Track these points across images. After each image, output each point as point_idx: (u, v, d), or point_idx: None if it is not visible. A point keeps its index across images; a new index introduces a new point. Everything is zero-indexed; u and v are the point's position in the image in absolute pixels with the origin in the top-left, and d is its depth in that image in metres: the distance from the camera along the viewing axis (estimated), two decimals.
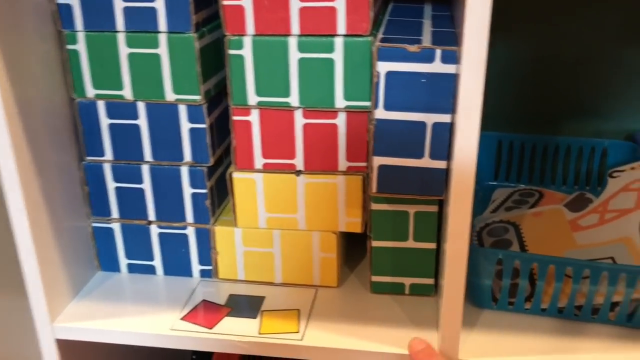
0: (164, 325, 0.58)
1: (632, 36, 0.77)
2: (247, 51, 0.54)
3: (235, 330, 0.57)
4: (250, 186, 0.60)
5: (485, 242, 0.66)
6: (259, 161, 0.59)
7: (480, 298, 0.59)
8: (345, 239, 0.65)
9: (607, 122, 0.82)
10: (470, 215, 0.48)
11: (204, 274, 0.65)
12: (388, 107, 0.51)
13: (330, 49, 0.53)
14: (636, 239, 0.61)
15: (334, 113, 0.56)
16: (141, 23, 0.55)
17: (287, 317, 0.59)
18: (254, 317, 0.59)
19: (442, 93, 0.50)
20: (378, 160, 0.53)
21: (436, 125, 0.51)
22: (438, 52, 0.49)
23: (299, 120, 0.57)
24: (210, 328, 0.58)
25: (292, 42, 0.53)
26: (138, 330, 0.57)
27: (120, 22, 0.56)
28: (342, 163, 0.58)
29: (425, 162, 0.52)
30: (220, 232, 0.63)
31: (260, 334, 0.57)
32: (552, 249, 0.63)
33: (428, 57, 0.49)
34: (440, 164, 0.52)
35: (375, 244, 0.60)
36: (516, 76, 0.81)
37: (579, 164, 0.79)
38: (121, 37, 0.56)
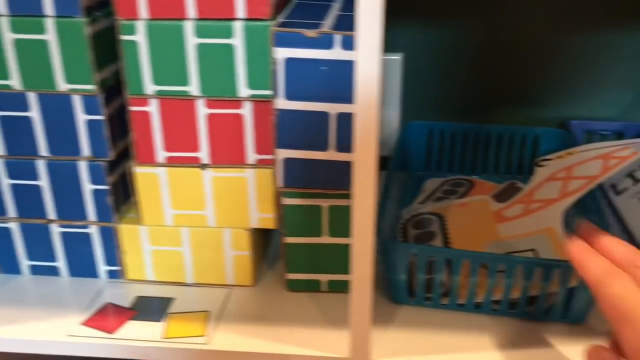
0: (60, 332, 0.54)
1: (563, 22, 0.75)
2: (141, 37, 0.50)
3: (138, 335, 0.54)
4: (153, 181, 0.56)
5: (409, 234, 0.64)
6: (161, 154, 0.55)
7: (397, 294, 0.57)
8: (262, 235, 0.62)
9: (540, 110, 0.80)
10: (373, 209, 0.45)
11: (112, 274, 0.61)
12: (289, 96, 0.48)
13: (229, 34, 0.50)
14: (559, 229, 0.60)
15: (238, 102, 0.52)
16: (26, 6, 0.51)
17: (195, 320, 0.56)
18: (160, 321, 0.56)
19: (344, 81, 0.47)
20: (282, 153, 0.50)
21: (340, 116, 0.48)
22: (337, 38, 0.46)
23: (202, 110, 0.53)
24: (111, 333, 0.54)
25: (189, 26, 0.50)
26: (32, 338, 0.53)
27: (2, 4, 0.51)
28: (251, 156, 0.55)
29: (331, 154, 0.50)
30: (125, 231, 0.59)
31: (164, 338, 0.53)
32: (475, 241, 0.61)
33: (327, 43, 0.46)
34: (347, 157, 0.49)
35: (288, 240, 0.57)
36: (446, 63, 0.79)
37: (510, 153, 0.77)
38: (4, 22, 0.51)
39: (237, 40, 0.50)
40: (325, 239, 0.56)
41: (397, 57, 0.78)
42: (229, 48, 0.50)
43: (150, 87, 0.52)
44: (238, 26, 0.49)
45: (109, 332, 0.54)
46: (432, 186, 0.75)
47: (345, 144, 0.49)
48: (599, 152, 0.63)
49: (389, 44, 0.79)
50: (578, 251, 0.42)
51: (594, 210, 0.60)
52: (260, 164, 0.55)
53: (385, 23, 0.78)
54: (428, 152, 0.78)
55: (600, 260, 0.40)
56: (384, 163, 0.70)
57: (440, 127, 0.77)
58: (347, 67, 0.46)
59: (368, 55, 0.40)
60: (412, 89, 0.80)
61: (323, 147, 0.49)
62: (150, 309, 0.57)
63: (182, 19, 0.50)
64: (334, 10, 0.52)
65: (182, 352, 0.52)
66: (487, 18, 0.76)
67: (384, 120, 0.81)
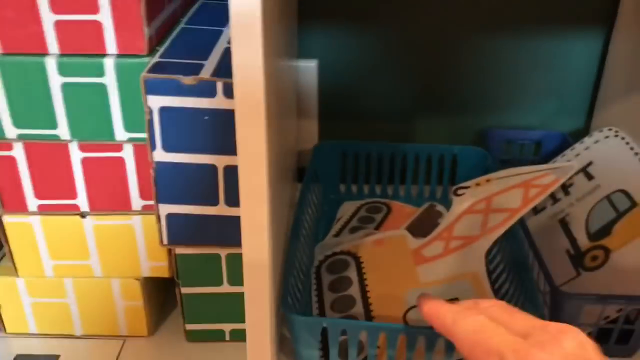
0: None
1: (484, 29, 0.71)
2: None
3: None
4: (27, 231, 0.49)
5: (324, 280, 0.58)
6: (32, 202, 0.48)
7: None
8: (158, 281, 0.57)
9: (460, 118, 0.77)
10: (268, 264, 0.40)
11: None
12: (168, 148, 0.42)
13: (99, 72, 0.43)
14: (482, 274, 0.56)
15: (117, 146, 0.46)
16: None
17: None
18: None
19: (230, 132, 0.41)
20: (165, 209, 0.44)
21: (229, 169, 0.43)
22: (219, 85, 0.40)
23: (76, 154, 0.46)
24: None
25: (51, 63, 0.43)
26: None
27: None
28: (136, 202, 0.49)
29: (221, 209, 0.44)
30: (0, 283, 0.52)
31: None
32: (394, 288, 0.57)
33: (208, 91, 0.40)
34: (238, 211, 0.44)
35: (184, 290, 0.52)
36: (364, 69, 0.74)
37: (428, 173, 0.72)
38: None
39: (110, 79, 0.43)
40: (226, 288, 0.52)
41: (312, 64, 0.73)
42: (100, 88, 0.43)
43: (11, 131, 0.45)
44: (109, 63, 0.43)
45: None
46: (348, 212, 0.70)
47: (236, 198, 0.44)
48: (518, 180, 0.60)
49: (304, 50, 0.73)
50: (429, 305, 0.41)
51: (515, 243, 0.57)
52: (146, 209, 0.49)
53: (299, 28, 0.73)
54: (342, 174, 0.73)
55: (450, 306, 0.40)
56: (302, 175, 0.66)
57: (354, 148, 0.72)
58: (232, 117, 0.40)
59: (248, 104, 0.34)
60: (328, 95, 0.75)
61: (212, 202, 0.44)
62: None
63: (43, 54, 0.43)
64: (224, 41, 0.46)
65: None
66: (406, 24, 0.71)
67: (302, 128, 0.76)
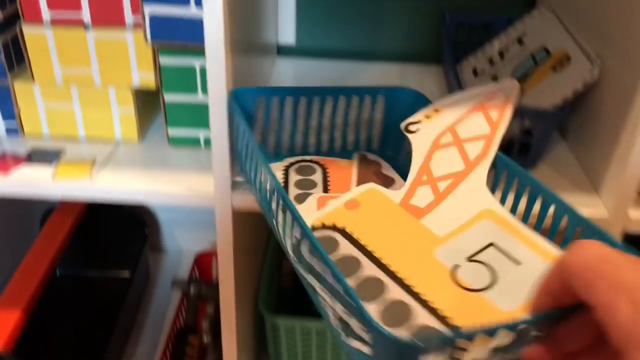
0: None
1: None
2: None
3: (30, 175, 0.61)
4: (41, 41, 0.62)
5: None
6: (46, 14, 0.61)
7: None
8: (150, 96, 0.69)
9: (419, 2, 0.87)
10: (225, 65, 0.52)
11: (9, 131, 0.67)
12: None
13: None
14: (498, 208, 0.49)
15: None
16: None
17: (82, 165, 0.63)
18: (51, 166, 0.63)
19: None
20: (148, 9, 0.56)
21: None
22: None
23: None
24: (7, 172, 0.61)
25: None
26: None
27: None
28: (129, 18, 0.61)
29: (192, 10, 0.56)
30: (19, 88, 0.65)
31: (53, 179, 0.61)
32: (417, 253, 0.47)
33: None
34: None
35: (167, 98, 0.64)
36: None
37: (353, 119, 0.61)
38: None
39: None
40: (200, 98, 0.64)
41: None
42: None
43: None
44: None
45: (3, 172, 0.61)
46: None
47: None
48: (470, 104, 0.57)
49: None
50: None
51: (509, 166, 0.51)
52: (138, 26, 0.61)
53: None
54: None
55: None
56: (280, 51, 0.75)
57: (269, 93, 0.58)
58: None
59: None
60: None
61: (185, 3, 0.56)
62: (43, 157, 0.64)
63: None
64: None
65: (70, 189, 0.60)
66: None
67: (280, 6, 0.88)
